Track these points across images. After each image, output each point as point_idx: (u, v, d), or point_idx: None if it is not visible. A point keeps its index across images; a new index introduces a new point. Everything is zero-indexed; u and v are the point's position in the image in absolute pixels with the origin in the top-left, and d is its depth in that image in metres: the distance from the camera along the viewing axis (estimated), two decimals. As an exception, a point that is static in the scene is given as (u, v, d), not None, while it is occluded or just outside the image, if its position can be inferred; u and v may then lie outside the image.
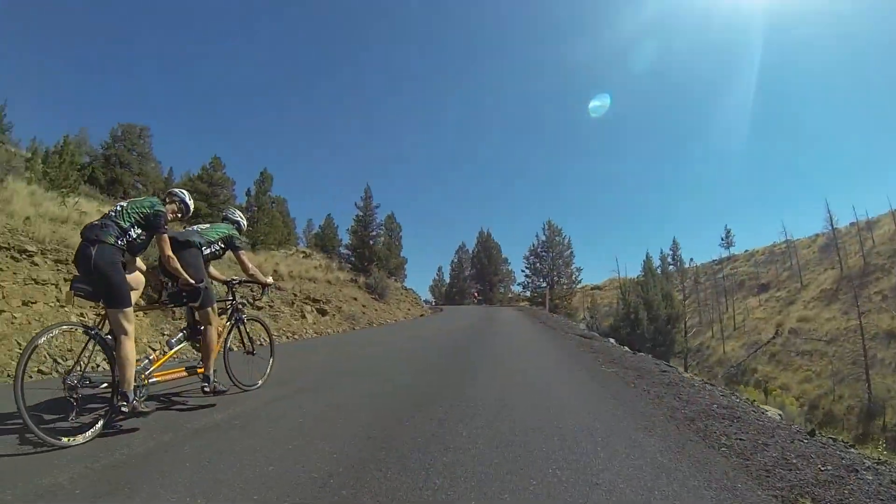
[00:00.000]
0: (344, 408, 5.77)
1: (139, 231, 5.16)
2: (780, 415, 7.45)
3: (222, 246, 6.75)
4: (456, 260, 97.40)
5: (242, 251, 6.94)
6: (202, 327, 6.14)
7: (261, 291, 7.49)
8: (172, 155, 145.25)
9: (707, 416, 5.63)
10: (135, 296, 5.27)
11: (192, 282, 5.74)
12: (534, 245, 71.60)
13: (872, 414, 35.77)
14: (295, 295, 21.61)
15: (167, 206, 5.83)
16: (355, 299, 29.28)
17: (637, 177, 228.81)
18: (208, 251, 6.44)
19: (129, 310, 4.85)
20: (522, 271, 73.97)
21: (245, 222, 7.64)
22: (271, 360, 7.60)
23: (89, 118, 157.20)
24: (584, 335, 18.98)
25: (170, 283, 5.97)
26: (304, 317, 19.84)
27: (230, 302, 7.13)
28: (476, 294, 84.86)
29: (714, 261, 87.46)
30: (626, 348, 16.15)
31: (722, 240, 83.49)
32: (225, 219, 7.38)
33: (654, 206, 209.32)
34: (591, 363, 9.80)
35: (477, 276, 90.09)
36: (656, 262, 64.90)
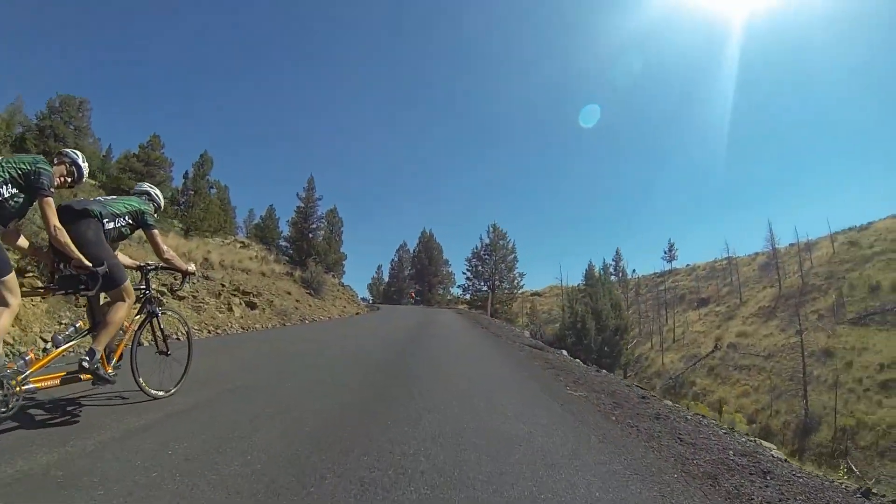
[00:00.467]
0: (230, 442, 4.25)
1: (14, 190, 4.23)
2: (781, 456, 6.11)
3: (130, 222, 5.42)
4: (396, 259, 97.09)
5: (156, 230, 5.62)
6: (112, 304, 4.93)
7: (181, 280, 6.29)
8: (113, 133, 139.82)
9: (729, 469, 4.30)
10: None
11: (87, 263, 4.52)
12: (477, 248, 70.59)
13: (808, 430, 36.00)
14: (223, 286, 20.00)
15: (55, 167, 4.78)
16: (289, 293, 27.81)
17: (584, 185, 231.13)
18: (112, 225, 5.15)
19: (9, 278, 4.09)
20: (464, 273, 72.87)
21: (162, 201, 6.22)
22: (187, 362, 6.25)
23: (27, 88, 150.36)
24: (533, 345, 17.58)
25: (62, 265, 4.67)
26: (230, 310, 18.25)
27: (143, 291, 5.75)
28: (413, 294, 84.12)
29: (656, 273, 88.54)
30: (579, 361, 14.97)
31: (665, 253, 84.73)
32: (136, 193, 6.01)
33: (599, 215, 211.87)
34: (553, 382, 8.36)
35: (417, 276, 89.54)
36: (599, 272, 64.81)
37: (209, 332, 15.16)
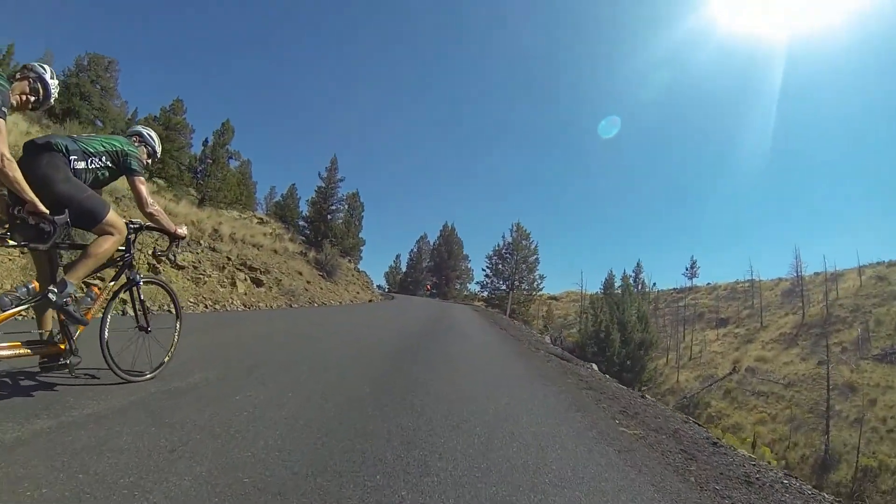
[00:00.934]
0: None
1: None
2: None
3: (109, 164, 4.44)
4: (416, 250, 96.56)
5: (141, 178, 4.62)
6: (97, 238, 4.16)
7: (169, 244, 5.16)
8: (140, 95, 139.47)
9: None
10: None
11: (41, 207, 3.69)
12: (499, 246, 69.37)
13: (827, 466, 34.36)
14: (228, 259, 18.83)
15: (15, 83, 3.95)
16: (300, 274, 26.74)
17: (609, 194, 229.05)
18: (83, 165, 4.21)
19: None
20: (483, 270, 71.68)
21: (158, 146, 5.22)
22: (174, 340, 5.32)
23: (57, 45, 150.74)
24: (559, 355, 15.98)
25: (16, 209, 3.74)
26: (234, 285, 17.10)
27: (123, 255, 4.73)
28: (430, 287, 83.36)
29: (675, 289, 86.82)
30: (615, 381, 13.44)
31: (686, 269, 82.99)
32: (129, 135, 5.03)
33: (621, 225, 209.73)
34: (597, 412, 6.62)
35: (435, 268, 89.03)
36: (618, 282, 63.42)
37: (206, 306, 14.00)
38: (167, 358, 5.10)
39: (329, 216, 46.90)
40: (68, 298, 3.82)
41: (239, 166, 53.75)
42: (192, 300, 13.83)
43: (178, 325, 5.45)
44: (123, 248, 4.65)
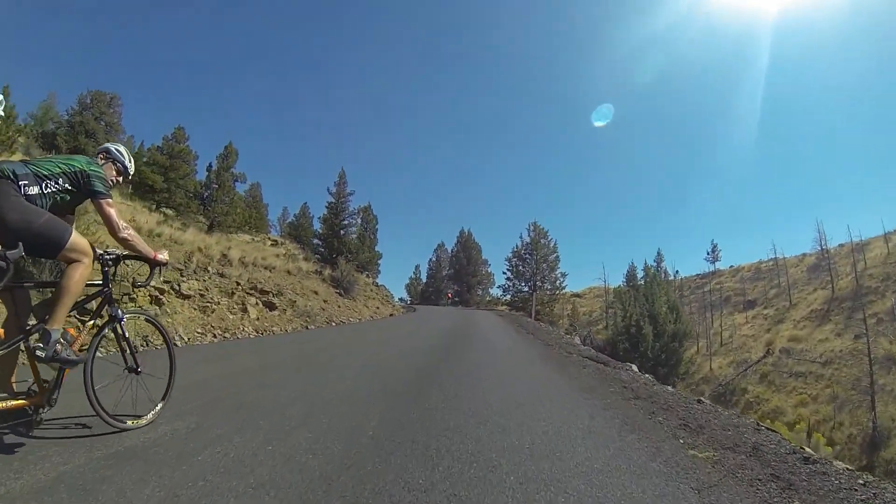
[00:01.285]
0: None
1: None
2: None
3: (68, 187, 3.94)
4: (434, 259, 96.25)
5: (107, 200, 4.08)
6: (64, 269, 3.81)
7: (150, 272, 4.66)
8: (144, 128, 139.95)
9: None
10: None
11: None
12: (517, 247, 68.48)
13: (876, 444, 32.99)
14: (238, 284, 18.04)
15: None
16: (316, 293, 25.92)
17: (624, 186, 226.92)
18: (36, 190, 3.73)
19: None
20: (504, 273, 70.97)
21: (130, 163, 4.76)
22: (169, 381, 4.86)
23: (58, 84, 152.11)
24: (593, 358, 14.84)
25: None
26: (245, 310, 16.31)
27: (102, 289, 4.28)
28: (451, 295, 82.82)
29: (698, 275, 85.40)
30: (660, 383, 12.29)
31: (708, 254, 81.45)
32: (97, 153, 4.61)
33: (637, 216, 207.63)
34: (654, 429, 5.61)
35: (455, 276, 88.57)
36: (640, 273, 62.42)
37: (214, 335, 13.21)
38: (161, 402, 4.63)
39: (342, 231, 46.14)
40: (58, 346, 3.53)
41: (249, 189, 53.42)
42: (199, 330, 13.08)
43: (170, 361, 4.90)
44: (101, 282, 4.24)
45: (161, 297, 13.03)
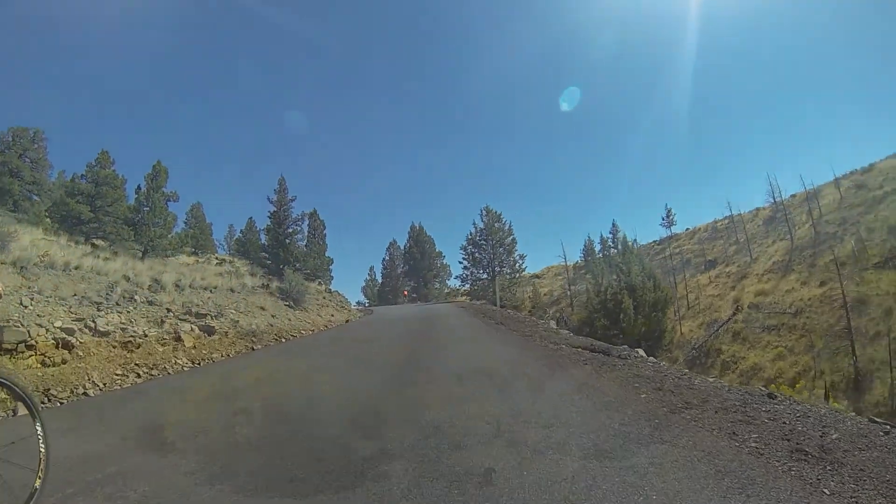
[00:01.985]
0: None
1: None
2: None
3: None
4: (388, 258, 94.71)
5: None
6: None
7: None
8: (75, 160, 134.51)
9: None
10: None
11: None
12: (471, 234, 66.93)
13: (861, 388, 32.45)
14: (169, 310, 16.07)
15: None
16: (263, 309, 24.04)
17: (567, 165, 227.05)
18: None
19: None
20: (460, 262, 69.43)
21: None
22: (41, 453, 3.63)
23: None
24: (590, 347, 12.61)
25: None
26: (178, 339, 14.41)
27: None
28: (407, 292, 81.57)
29: (656, 241, 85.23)
30: (700, 375, 9.94)
31: (663, 219, 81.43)
32: None
33: (588, 189, 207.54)
34: (754, 465, 4.09)
35: (410, 272, 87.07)
36: (597, 246, 61.62)
37: (139, 375, 11.30)
38: (38, 482, 3.54)
39: (287, 240, 44.01)
40: None
41: (191, 210, 50.85)
42: (119, 371, 11.19)
43: (39, 430, 3.71)
44: None
45: (70, 338, 11.11)
